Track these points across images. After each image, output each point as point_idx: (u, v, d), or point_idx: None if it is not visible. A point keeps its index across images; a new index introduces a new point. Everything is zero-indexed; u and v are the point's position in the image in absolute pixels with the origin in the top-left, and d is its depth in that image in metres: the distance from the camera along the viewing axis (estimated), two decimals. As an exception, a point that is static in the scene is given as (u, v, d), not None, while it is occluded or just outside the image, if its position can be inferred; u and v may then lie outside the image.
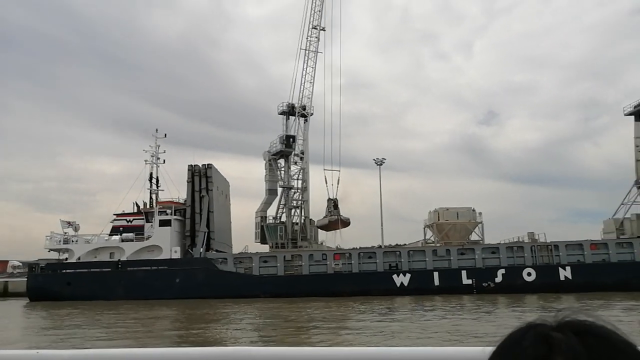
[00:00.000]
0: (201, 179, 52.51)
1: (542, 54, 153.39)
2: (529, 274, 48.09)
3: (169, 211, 51.21)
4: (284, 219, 61.63)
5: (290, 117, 62.71)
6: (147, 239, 50.26)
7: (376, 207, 59.23)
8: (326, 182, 59.90)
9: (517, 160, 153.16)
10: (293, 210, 61.67)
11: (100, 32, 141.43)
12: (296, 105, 61.26)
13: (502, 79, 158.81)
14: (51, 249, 52.81)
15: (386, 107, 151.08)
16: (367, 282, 48.63)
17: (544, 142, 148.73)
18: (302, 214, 62.01)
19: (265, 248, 58.76)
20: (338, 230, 58.34)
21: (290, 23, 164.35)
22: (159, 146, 57.10)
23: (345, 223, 58.68)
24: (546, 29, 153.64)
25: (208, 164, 53.33)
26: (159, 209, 51.54)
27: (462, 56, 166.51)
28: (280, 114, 63.16)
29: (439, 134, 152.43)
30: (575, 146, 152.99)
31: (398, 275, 48.93)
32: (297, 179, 62.82)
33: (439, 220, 61.08)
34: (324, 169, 59.45)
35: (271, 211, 62.38)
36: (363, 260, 50.79)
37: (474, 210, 62.37)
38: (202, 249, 50.19)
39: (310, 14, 59.34)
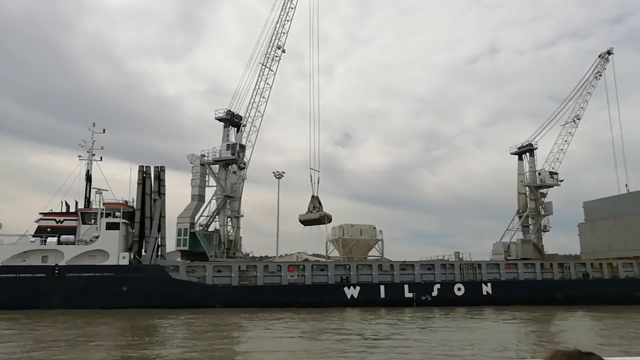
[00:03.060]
0: (153, 181, 49.38)
1: (395, 85, 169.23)
2: (459, 289, 54.01)
3: (117, 214, 47.10)
4: (211, 227, 60.41)
5: (230, 125, 62.17)
6: (90, 243, 45.57)
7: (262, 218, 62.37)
8: (311, 180, 61.84)
9: (367, 182, 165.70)
10: (228, 220, 60.83)
11: None
12: (244, 115, 60.99)
13: (359, 104, 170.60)
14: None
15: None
16: (321, 294, 50.19)
17: (391, 167, 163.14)
18: (237, 224, 61.55)
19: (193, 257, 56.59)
20: (324, 225, 61.43)
21: (156, 19, 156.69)
22: (94, 141, 52.48)
23: (329, 219, 61.47)
24: (400, 63, 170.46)
25: (161, 166, 50.29)
26: (105, 210, 47.08)
27: (323, 78, 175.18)
28: (218, 119, 62.27)
29: (297, 150, 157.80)
30: (417, 173, 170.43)
31: (349, 288, 51.33)
32: (232, 189, 62.08)
33: (343, 235, 65.47)
34: (310, 168, 61.35)
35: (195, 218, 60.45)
36: (315, 272, 52.29)
37: (374, 228, 68.15)
38: (152, 256, 47.11)
39: (273, 32, 59.65)
